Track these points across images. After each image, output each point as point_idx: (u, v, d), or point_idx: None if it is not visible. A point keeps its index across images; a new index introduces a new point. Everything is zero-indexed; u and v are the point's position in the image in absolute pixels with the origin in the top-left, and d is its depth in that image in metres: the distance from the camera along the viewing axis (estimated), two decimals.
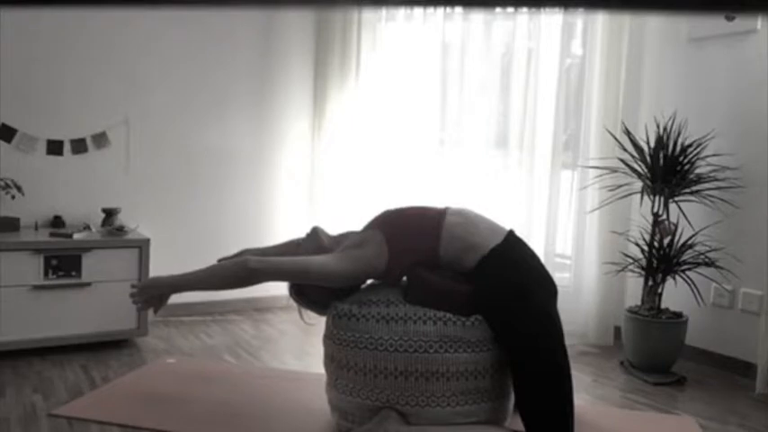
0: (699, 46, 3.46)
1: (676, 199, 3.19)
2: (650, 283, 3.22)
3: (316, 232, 2.37)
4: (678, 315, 3.18)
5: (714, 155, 3.29)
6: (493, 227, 2.22)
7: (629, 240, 3.53)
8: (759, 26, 3.18)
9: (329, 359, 2.23)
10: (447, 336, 2.06)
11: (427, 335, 2.06)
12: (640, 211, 3.52)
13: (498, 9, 3.65)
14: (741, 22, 3.21)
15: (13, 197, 3.32)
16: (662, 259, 3.19)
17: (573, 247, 3.74)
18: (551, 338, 2.04)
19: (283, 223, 4.22)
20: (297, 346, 3.44)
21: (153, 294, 2.28)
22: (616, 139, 3.51)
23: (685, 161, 3.19)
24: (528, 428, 2.02)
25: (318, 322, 2.49)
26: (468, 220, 2.19)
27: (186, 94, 3.84)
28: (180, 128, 3.84)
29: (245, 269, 2.08)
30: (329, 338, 2.21)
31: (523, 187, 3.73)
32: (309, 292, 2.28)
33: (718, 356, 3.33)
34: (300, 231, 4.28)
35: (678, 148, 3.21)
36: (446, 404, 2.06)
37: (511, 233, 2.21)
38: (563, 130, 3.75)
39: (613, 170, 3.43)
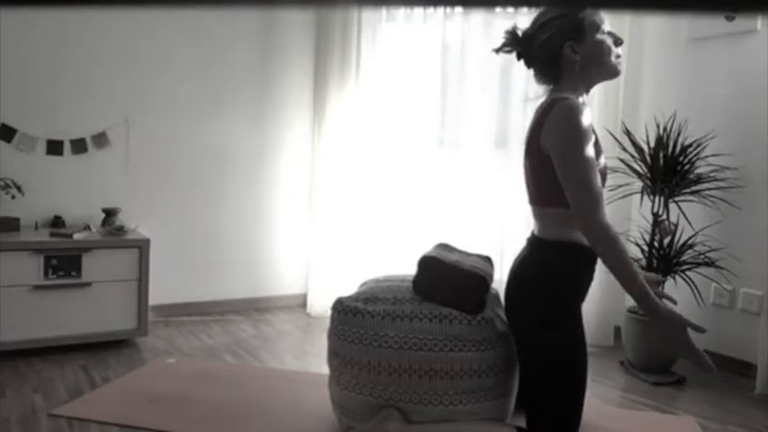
0: (699, 46, 3.46)
1: (676, 199, 3.20)
2: None
3: None
4: None
5: (714, 155, 3.30)
6: None
7: (630, 240, 3.53)
8: (759, 26, 3.18)
9: (333, 355, 2.23)
10: (452, 334, 2.07)
11: (432, 333, 2.07)
12: (640, 211, 3.53)
13: (498, 9, 3.65)
14: (741, 22, 3.22)
15: (13, 197, 3.31)
16: (662, 259, 3.19)
17: None
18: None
19: (283, 223, 4.22)
20: (297, 346, 3.43)
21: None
22: (616, 139, 3.51)
23: (685, 161, 3.20)
24: (530, 427, 2.02)
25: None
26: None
27: (186, 94, 3.84)
28: (180, 128, 3.83)
29: None
30: (334, 334, 2.21)
31: (523, 187, 3.72)
32: None
33: (719, 356, 3.33)
34: (300, 231, 4.30)
35: (678, 148, 3.21)
36: (449, 402, 2.06)
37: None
38: None
39: (613, 170, 3.43)
